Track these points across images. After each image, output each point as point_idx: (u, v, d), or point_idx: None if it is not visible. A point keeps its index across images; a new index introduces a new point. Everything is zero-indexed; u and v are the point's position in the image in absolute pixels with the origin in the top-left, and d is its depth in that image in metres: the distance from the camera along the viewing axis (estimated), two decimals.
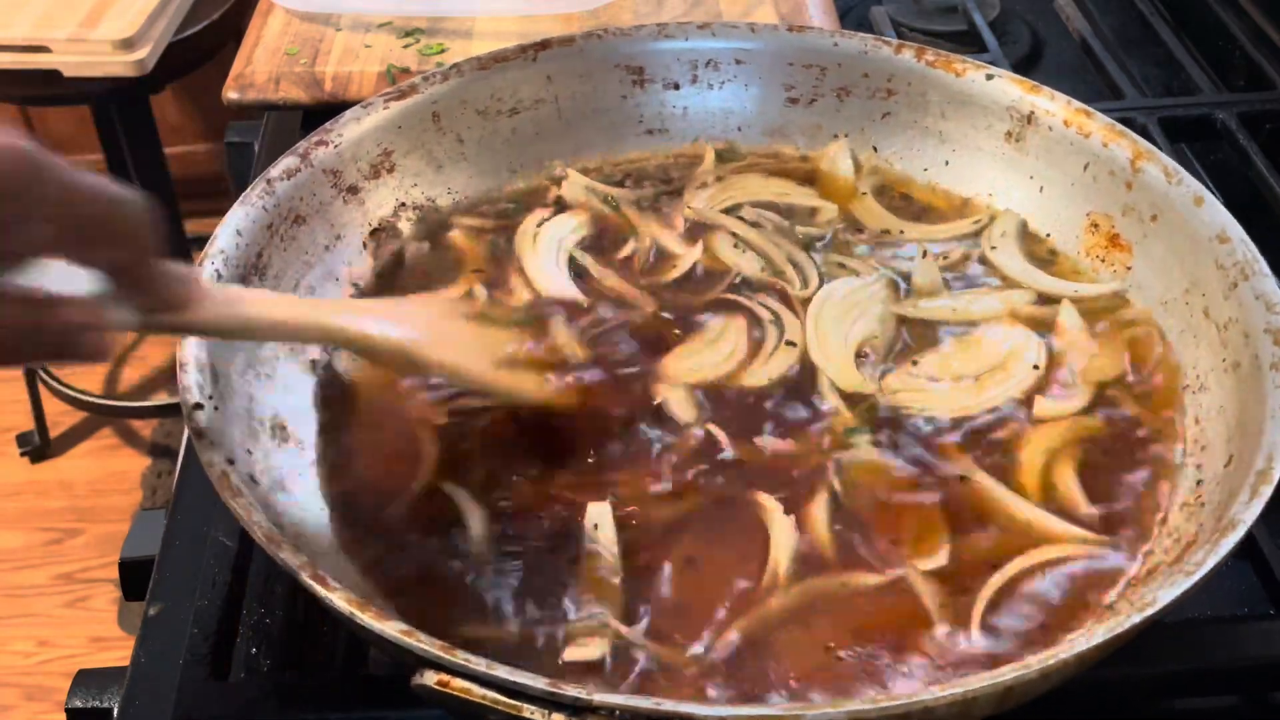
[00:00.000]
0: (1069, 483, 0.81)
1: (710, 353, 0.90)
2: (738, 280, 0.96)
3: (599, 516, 0.78)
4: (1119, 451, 0.83)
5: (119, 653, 2.19)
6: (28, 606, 2.36)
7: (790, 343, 0.91)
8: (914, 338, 0.92)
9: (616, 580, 0.75)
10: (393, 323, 0.79)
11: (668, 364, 0.89)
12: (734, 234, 1.00)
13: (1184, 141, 1.20)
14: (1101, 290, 0.93)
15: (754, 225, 1.01)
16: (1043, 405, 0.86)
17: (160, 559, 0.84)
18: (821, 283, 0.96)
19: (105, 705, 0.78)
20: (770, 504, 0.79)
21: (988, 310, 0.93)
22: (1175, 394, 0.86)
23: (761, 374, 0.89)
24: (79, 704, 0.79)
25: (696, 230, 1.01)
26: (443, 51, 1.28)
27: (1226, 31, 1.35)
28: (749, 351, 0.90)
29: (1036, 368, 0.88)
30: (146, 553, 0.85)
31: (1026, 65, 1.37)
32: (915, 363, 0.89)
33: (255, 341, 0.81)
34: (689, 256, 0.99)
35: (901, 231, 1.01)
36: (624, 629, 0.73)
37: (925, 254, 0.97)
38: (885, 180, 1.05)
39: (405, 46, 1.29)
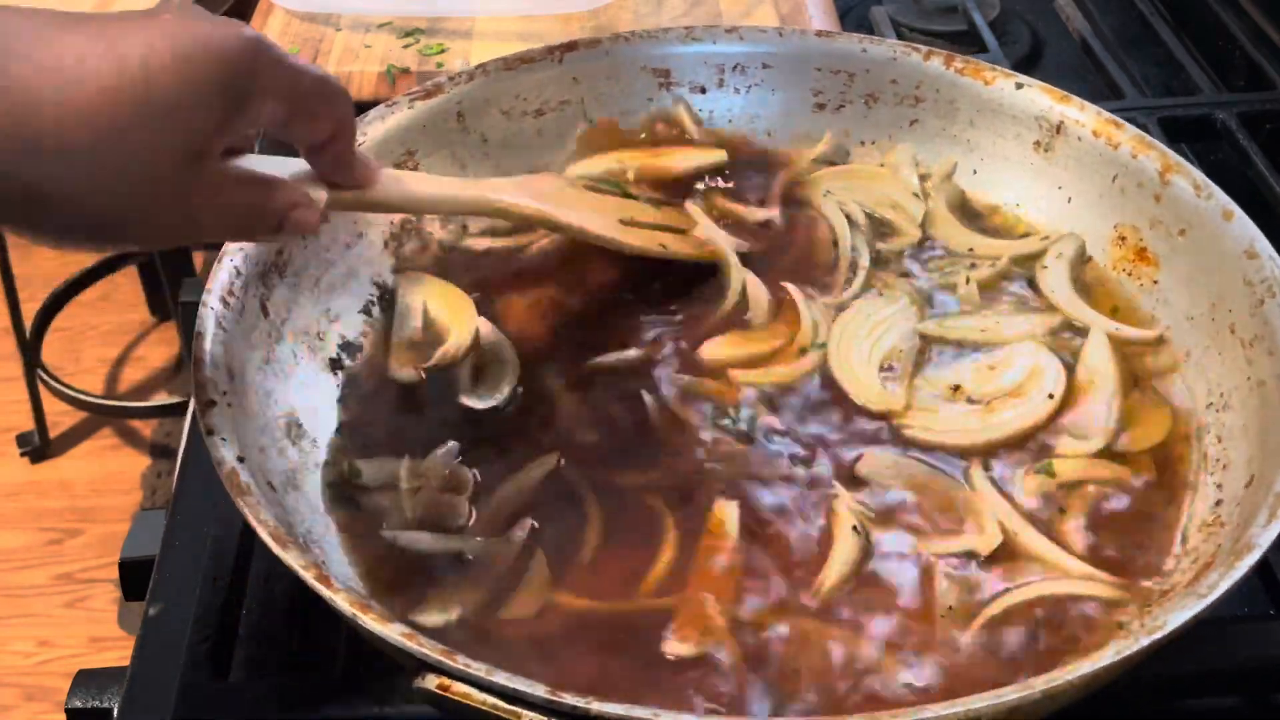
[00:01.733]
0: (1072, 522, 0.80)
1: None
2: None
3: (726, 513, 0.79)
4: (1134, 489, 0.82)
5: (119, 653, 2.19)
6: (28, 606, 2.36)
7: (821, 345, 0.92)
8: (935, 355, 0.91)
9: (733, 578, 0.76)
10: (526, 194, 0.91)
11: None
12: (828, 219, 1.01)
13: (1184, 141, 1.19)
14: (1144, 335, 0.91)
15: (849, 220, 1.01)
16: (1063, 444, 0.84)
17: (160, 559, 0.84)
18: (860, 294, 0.95)
19: (105, 705, 0.78)
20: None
21: (1014, 332, 0.91)
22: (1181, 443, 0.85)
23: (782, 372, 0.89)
24: (79, 704, 0.79)
25: (793, 204, 1.03)
26: (443, 51, 1.28)
27: (1226, 31, 1.35)
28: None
29: (1051, 397, 0.86)
30: (146, 553, 0.85)
31: (1026, 65, 1.37)
32: (929, 381, 0.89)
33: (418, 214, 0.95)
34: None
35: (971, 249, 0.99)
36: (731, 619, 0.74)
37: (969, 281, 0.95)
38: (962, 194, 1.03)
39: (405, 46, 1.29)
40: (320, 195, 0.74)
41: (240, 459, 0.72)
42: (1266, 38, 1.33)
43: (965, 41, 1.35)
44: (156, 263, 2.41)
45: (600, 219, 0.95)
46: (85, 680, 0.80)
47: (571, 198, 0.96)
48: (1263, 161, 1.13)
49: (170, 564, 0.83)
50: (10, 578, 2.40)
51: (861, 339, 0.91)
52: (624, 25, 1.31)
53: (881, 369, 0.89)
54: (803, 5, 1.33)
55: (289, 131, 0.71)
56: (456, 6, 1.32)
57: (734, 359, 0.90)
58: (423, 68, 1.25)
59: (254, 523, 0.67)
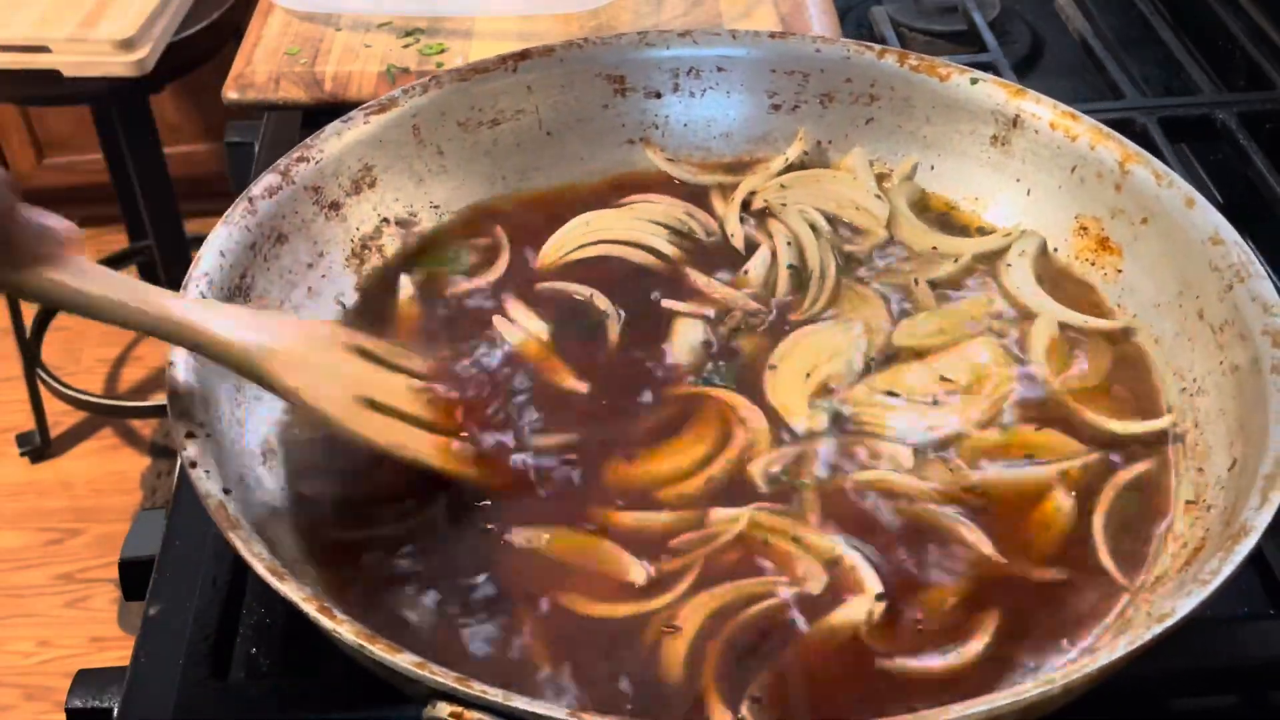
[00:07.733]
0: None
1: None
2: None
3: None
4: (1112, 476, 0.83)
5: (119, 653, 2.19)
6: (28, 606, 2.36)
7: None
8: (888, 360, 0.90)
9: None
10: (249, 328, 0.76)
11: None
12: (792, 229, 1.00)
13: (1184, 141, 1.20)
14: (1114, 325, 0.91)
15: (812, 227, 1.00)
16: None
17: (160, 559, 0.84)
18: (824, 311, 0.94)
19: (105, 705, 0.78)
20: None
21: (970, 331, 0.92)
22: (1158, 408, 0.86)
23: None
24: (79, 704, 0.79)
25: (752, 216, 1.02)
26: (443, 51, 1.28)
27: (1226, 31, 1.35)
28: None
29: (1008, 396, 0.87)
30: (146, 553, 0.85)
31: (1026, 65, 1.37)
32: (873, 388, 0.88)
33: (96, 319, 0.73)
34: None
35: (934, 248, 0.99)
36: None
37: (918, 283, 0.95)
38: (922, 192, 1.03)
39: (405, 46, 1.29)
40: None
41: (226, 491, 0.71)
42: (1266, 38, 1.33)
43: (965, 41, 1.35)
44: (156, 262, 2.41)
45: (329, 389, 0.77)
46: (85, 680, 0.80)
47: (311, 352, 0.78)
48: (1263, 161, 1.13)
49: (170, 564, 0.83)
50: (10, 578, 2.40)
51: (803, 366, 0.89)
52: (624, 25, 1.31)
53: (818, 393, 0.88)
54: (803, 5, 1.33)
55: None
56: (456, 6, 1.32)
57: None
58: (423, 67, 1.25)
59: (248, 557, 0.66)
